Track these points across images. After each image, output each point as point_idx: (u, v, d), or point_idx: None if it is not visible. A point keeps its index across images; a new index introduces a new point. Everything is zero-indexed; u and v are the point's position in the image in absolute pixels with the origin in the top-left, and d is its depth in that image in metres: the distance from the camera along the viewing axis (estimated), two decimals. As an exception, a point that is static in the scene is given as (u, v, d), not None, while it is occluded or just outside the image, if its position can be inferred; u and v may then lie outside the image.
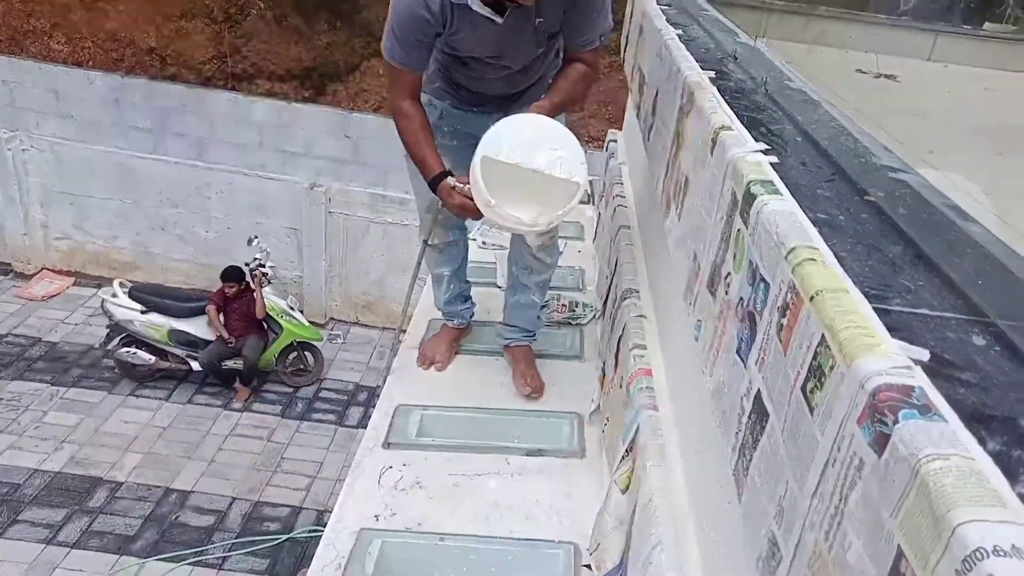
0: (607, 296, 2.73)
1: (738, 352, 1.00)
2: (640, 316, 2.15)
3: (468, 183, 2.01)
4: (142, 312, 6.69)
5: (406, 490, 2.09)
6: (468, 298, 2.79)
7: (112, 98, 8.00)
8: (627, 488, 1.74)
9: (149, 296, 6.84)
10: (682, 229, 1.50)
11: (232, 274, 6.67)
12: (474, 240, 2.62)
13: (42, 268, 8.54)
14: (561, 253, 2.78)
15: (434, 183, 2.13)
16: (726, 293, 1.11)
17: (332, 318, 8.47)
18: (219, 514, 5.73)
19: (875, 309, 0.81)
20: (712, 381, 1.13)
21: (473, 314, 2.80)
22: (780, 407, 0.87)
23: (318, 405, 7.14)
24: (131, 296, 6.76)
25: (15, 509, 5.52)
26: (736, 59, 1.99)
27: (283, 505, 5.93)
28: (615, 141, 3.80)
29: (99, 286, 7.74)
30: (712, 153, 1.30)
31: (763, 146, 1.18)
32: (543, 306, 2.77)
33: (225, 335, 6.67)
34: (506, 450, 2.28)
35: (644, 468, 1.57)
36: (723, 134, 1.27)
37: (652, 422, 1.66)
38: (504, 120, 1.97)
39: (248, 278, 6.72)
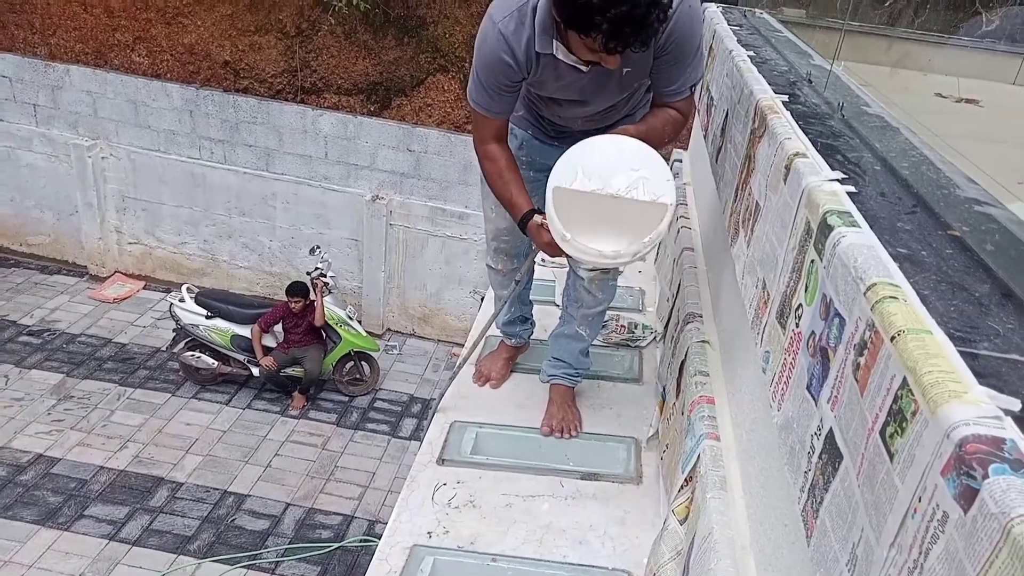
0: (668, 319, 2.69)
1: (808, 388, 0.97)
2: (703, 342, 2.11)
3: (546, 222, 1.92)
4: (207, 317, 6.86)
5: (459, 508, 2.09)
6: (528, 319, 2.79)
7: (187, 109, 8.29)
8: (685, 518, 1.71)
9: (214, 302, 7.02)
10: (751, 256, 1.47)
11: (297, 290, 6.79)
12: (541, 264, 2.56)
13: (115, 272, 8.87)
14: (616, 288, 2.74)
15: (523, 223, 2.06)
16: (796, 325, 1.08)
17: (389, 329, 8.57)
18: (274, 519, 5.82)
19: (961, 353, 0.77)
20: (779, 415, 1.09)
21: (532, 333, 2.80)
22: (855, 450, 0.83)
23: (372, 415, 7.21)
24: (197, 301, 6.95)
25: (82, 504, 5.72)
26: (811, 82, 1.94)
27: (335, 513, 5.99)
28: (680, 161, 3.76)
29: (168, 290, 8.00)
30: (786, 180, 1.27)
31: (840, 175, 1.15)
32: (590, 343, 2.63)
33: (260, 356, 6.77)
34: (561, 472, 2.26)
35: (704, 499, 1.53)
36: (798, 161, 1.24)
37: (713, 452, 1.62)
38: (578, 144, 1.87)
39: (310, 287, 6.85)
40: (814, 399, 0.94)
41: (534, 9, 1.86)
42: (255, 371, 6.98)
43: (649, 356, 2.87)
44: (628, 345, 2.95)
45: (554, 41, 1.87)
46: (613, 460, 2.35)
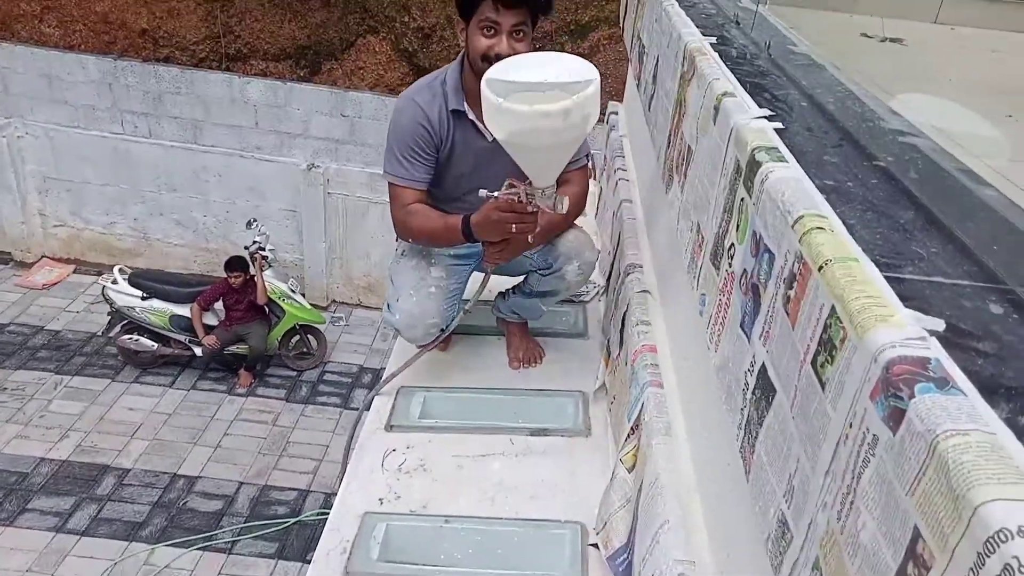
0: (610, 272, 2.70)
1: (742, 326, 0.97)
2: (644, 291, 2.12)
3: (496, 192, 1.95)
4: (143, 298, 6.66)
5: (410, 473, 2.07)
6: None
7: (105, 82, 7.92)
8: (633, 466, 1.72)
9: (149, 282, 6.81)
10: (685, 200, 1.46)
11: (236, 264, 6.61)
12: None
13: (42, 256, 8.51)
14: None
15: (467, 228, 2.08)
16: (729, 265, 1.07)
17: (334, 300, 8.45)
18: (227, 499, 5.74)
19: (887, 278, 0.78)
20: (716, 356, 1.10)
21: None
22: (788, 383, 0.83)
23: (322, 388, 7.14)
24: (131, 282, 6.73)
25: (24, 498, 5.54)
26: (739, 24, 1.93)
27: (290, 489, 5.94)
28: (616, 113, 3.75)
29: (99, 273, 7.71)
30: (715, 121, 1.26)
31: (767, 112, 1.14)
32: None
33: (201, 335, 6.61)
34: (510, 430, 2.26)
35: (650, 446, 1.54)
36: (726, 101, 1.23)
37: (657, 399, 1.63)
38: (494, 66, 1.88)
39: (249, 262, 6.69)
40: (747, 336, 0.94)
41: (444, 80, 2.16)
42: (198, 351, 6.82)
43: (593, 311, 2.88)
44: (572, 301, 2.95)
45: (464, 102, 2.12)
46: (562, 415, 2.36)
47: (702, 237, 1.27)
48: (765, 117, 1.15)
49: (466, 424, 2.27)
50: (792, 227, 0.84)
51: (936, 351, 0.68)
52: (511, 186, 1.96)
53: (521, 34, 2.04)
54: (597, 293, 2.98)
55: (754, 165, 1.00)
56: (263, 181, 8.08)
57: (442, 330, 2.36)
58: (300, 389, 7.09)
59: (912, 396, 0.64)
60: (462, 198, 2.26)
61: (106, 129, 8.02)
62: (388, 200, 2.30)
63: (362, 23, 8.38)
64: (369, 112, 7.77)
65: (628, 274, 2.24)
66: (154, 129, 8.03)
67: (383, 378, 2.43)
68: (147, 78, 7.92)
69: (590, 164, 2.49)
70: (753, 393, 0.89)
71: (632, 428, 1.73)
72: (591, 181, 3.89)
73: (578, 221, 3.37)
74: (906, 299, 0.74)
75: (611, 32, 8.07)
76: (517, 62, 1.89)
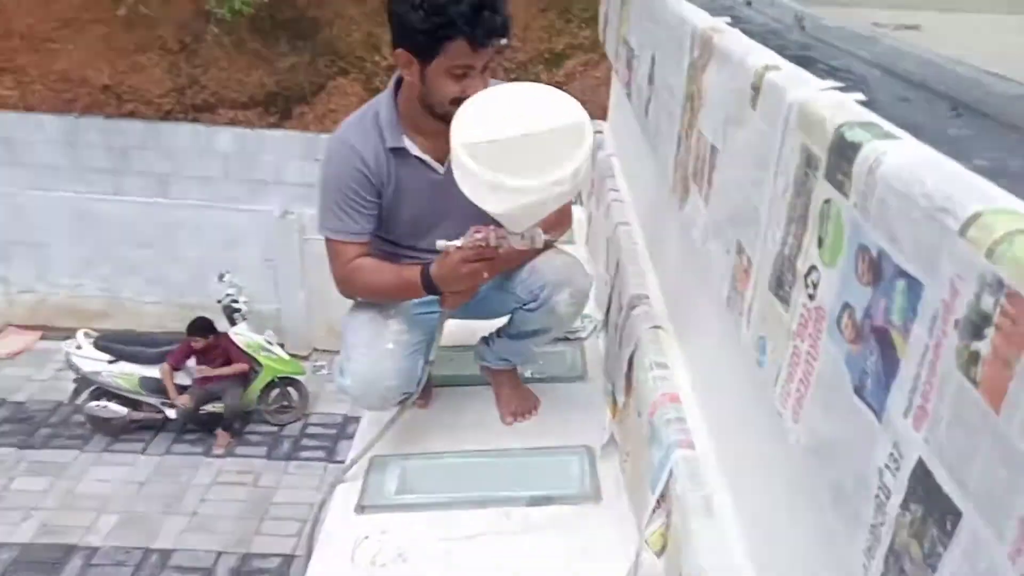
0: (608, 305, 2.36)
1: (860, 393, 0.63)
2: (655, 327, 1.78)
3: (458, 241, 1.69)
4: (110, 362, 6.28)
5: (386, 565, 1.70)
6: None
7: (66, 141, 7.63)
8: (663, 549, 1.37)
9: (116, 344, 6.44)
10: (713, 214, 1.14)
11: (200, 325, 6.26)
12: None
13: (6, 325, 8.10)
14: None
15: (427, 280, 1.79)
16: (810, 298, 0.74)
17: (316, 348, 8.08)
18: (204, 572, 5.30)
19: None
20: (800, 430, 0.76)
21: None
22: (993, 506, 0.48)
23: (306, 442, 6.74)
24: (97, 346, 6.36)
25: (-20, 589, 5.09)
26: (750, 3, 1.64)
27: (274, 555, 5.51)
28: (600, 132, 3.45)
29: (67, 338, 7.31)
30: (754, 104, 0.94)
31: (835, 83, 0.82)
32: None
33: (173, 396, 6.23)
34: (505, 501, 1.90)
35: (686, 528, 1.19)
36: (770, 75, 0.91)
37: (689, 465, 1.29)
38: (461, 107, 1.65)
39: (227, 319, 6.34)
40: (875, 410, 0.60)
41: (376, 115, 1.85)
42: (171, 413, 6.42)
43: (592, 349, 2.54)
44: (567, 339, 2.61)
45: (404, 137, 1.83)
46: (565, 477, 2.00)
47: (748, 260, 0.94)
48: (836, 88, 0.83)
49: (453, 498, 1.91)
50: (964, 234, 0.50)
51: None
52: (477, 231, 1.67)
53: (493, 65, 1.78)
54: (595, 329, 2.64)
55: (846, 149, 0.67)
56: (237, 232, 7.76)
57: (406, 393, 2.02)
58: (282, 445, 6.69)
59: None
60: (420, 242, 1.96)
61: (69, 189, 7.70)
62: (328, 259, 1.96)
63: (332, 65, 8.16)
64: (342, 154, 7.49)
65: (633, 307, 1.91)
66: (120, 185, 7.73)
67: (350, 457, 2.05)
68: (111, 134, 7.65)
69: None
70: (907, 508, 0.54)
71: (658, 501, 1.38)
72: (574, 206, 3.61)
73: (566, 249, 3.00)
74: None
75: (586, 59, 7.87)
76: (488, 108, 1.61)
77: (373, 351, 1.96)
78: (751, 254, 0.93)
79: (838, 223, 0.69)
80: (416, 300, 2.02)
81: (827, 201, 0.72)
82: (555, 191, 1.54)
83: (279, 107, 8.14)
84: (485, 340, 2.29)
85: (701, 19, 1.40)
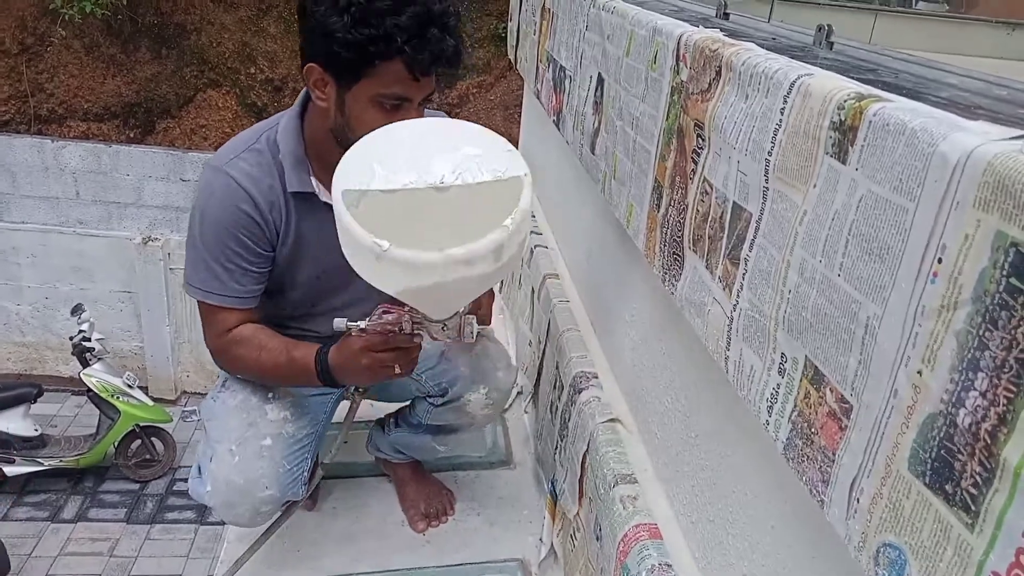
0: (539, 373, 1.97)
1: None
2: (612, 420, 1.40)
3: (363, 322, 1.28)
4: (-70, 415, 5.35)
5: None
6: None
7: None
8: None
9: (-62, 393, 5.50)
10: (747, 308, 0.76)
11: None
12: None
13: None
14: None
15: (324, 365, 1.35)
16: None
17: (184, 392, 7.28)
18: (47, 667, 4.52)
19: None
20: None
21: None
22: None
23: (172, 501, 5.97)
24: (-87, 395, 5.41)
25: None
26: (727, 16, 1.30)
27: (133, 639, 4.79)
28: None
29: None
30: (845, 153, 0.57)
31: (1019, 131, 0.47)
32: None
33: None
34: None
35: None
36: (888, 111, 0.55)
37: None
38: (360, 141, 1.16)
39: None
40: None
41: (273, 145, 1.40)
42: (9, 471, 5.54)
43: (516, 424, 2.14)
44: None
45: (312, 179, 1.40)
46: (495, 602, 1.59)
47: (823, 394, 0.57)
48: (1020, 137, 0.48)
49: (353, 650, 1.46)
50: None
51: None
52: (387, 312, 1.24)
53: (433, 99, 1.38)
54: (518, 395, 2.24)
55: None
56: (89, 259, 6.91)
57: (289, 503, 1.56)
58: (144, 505, 5.90)
59: None
60: (317, 307, 1.53)
61: None
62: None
63: (201, 76, 7.46)
64: (214, 174, 6.80)
65: (580, 390, 1.52)
66: (-53, 208, 6.72)
67: None
68: (-66, 148, 6.64)
69: None
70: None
71: None
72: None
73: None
74: None
75: (480, 80, 7.54)
76: (393, 146, 1.14)
77: (244, 449, 1.48)
78: (836, 389, 0.55)
79: None
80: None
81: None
82: (467, 272, 1.05)
83: (140, 120, 7.37)
84: (381, 425, 1.84)
85: (681, 29, 1.03)
